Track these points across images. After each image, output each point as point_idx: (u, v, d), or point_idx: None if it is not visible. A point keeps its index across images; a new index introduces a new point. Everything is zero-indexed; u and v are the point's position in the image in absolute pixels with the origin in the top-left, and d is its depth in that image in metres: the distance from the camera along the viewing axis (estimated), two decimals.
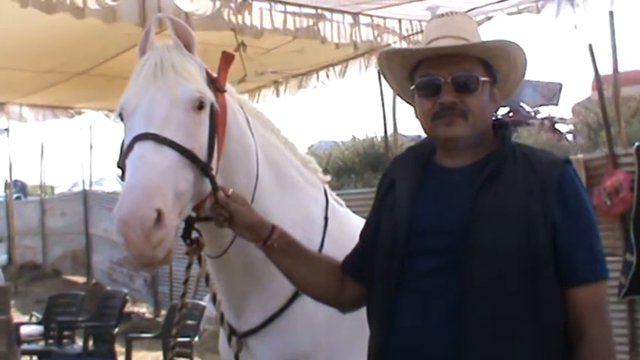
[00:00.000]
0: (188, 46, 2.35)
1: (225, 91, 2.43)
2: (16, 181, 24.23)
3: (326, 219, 2.79)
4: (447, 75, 2.03)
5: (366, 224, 2.32)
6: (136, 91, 2.24)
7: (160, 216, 1.98)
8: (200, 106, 2.23)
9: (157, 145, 2.10)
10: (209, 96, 2.28)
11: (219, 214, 2.24)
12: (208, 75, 2.40)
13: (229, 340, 2.63)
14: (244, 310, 2.64)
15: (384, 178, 2.29)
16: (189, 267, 2.50)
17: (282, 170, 2.73)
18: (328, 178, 3.08)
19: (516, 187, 1.96)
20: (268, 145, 2.69)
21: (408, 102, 2.26)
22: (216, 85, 2.39)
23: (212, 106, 2.29)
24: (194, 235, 2.39)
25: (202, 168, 2.19)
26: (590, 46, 6.22)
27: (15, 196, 21.80)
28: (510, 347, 1.87)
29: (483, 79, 2.05)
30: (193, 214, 2.32)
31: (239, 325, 2.67)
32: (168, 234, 2.01)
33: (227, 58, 2.45)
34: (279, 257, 2.27)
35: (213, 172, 2.27)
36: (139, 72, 2.28)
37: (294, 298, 2.57)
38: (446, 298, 1.93)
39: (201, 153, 2.21)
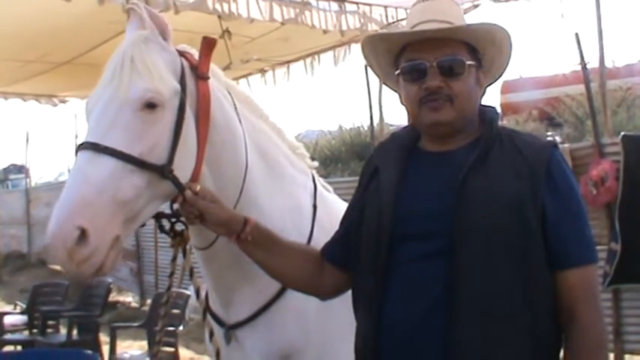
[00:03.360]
0: (162, 34, 2.29)
1: (207, 77, 2.37)
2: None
3: (314, 206, 2.76)
4: (432, 59, 2.00)
5: (349, 211, 2.29)
6: (95, 94, 2.21)
7: (83, 234, 1.95)
8: (151, 105, 2.15)
9: (95, 154, 2.06)
10: (164, 92, 2.17)
11: (189, 212, 2.20)
12: (190, 62, 2.34)
13: (211, 336, 2.61)
14: (233, 301, 2.60)
15: (367, 164, 2.27)
16: (174, 259, 2.48)
17: (271, 158, 2.68)
18: (316, 164, 3.05)
19: (505, 170, 1.94)
20: (257, 132, 2.63)
21: (392, 89, 2.23)
22: (197, 72, 2.34)
23: (181, 99, 2.22)
24: (179, 227, 2.37)
25: (157, 171, 2.14)
26: (577, 34, 6.20)
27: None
28: (501, 332, 1.85)
29: (469, 62, 2.02)
30: (174, 208, 2.29)
31: (228, 317, 2.64)
32: (94, 251, 1.98)
33: (208, 44, 2.37)
34: (254, 249, 2.24)
35: (192, 166, 2.24)
36: (105, 71, 2.24)
37: (284, 289, 2.53)
38: (436, 283, 1.90)
39: (155, 155, 2.14)
